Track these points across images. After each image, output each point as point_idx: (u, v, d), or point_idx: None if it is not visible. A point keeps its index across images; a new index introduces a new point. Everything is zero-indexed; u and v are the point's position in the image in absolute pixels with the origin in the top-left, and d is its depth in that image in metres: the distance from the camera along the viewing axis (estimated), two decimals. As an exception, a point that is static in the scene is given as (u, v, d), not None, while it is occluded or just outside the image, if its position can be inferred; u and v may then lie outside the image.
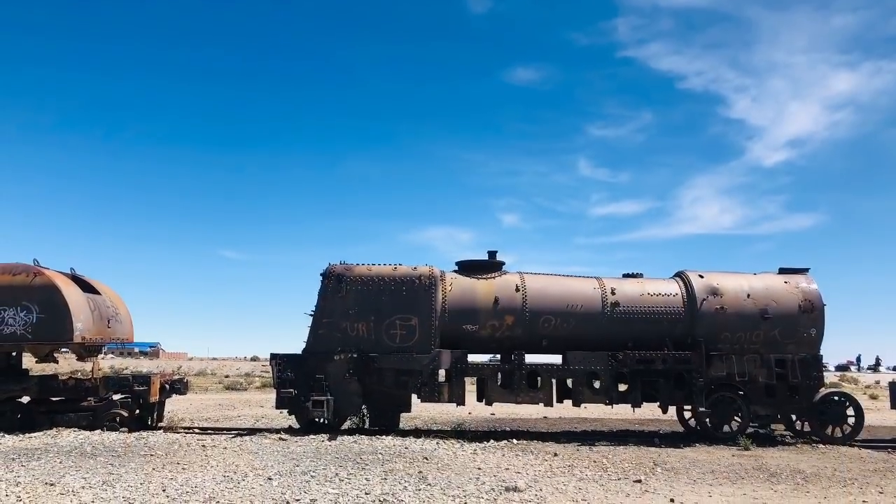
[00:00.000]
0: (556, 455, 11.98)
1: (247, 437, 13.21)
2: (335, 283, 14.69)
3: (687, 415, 15.70)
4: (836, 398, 15.03)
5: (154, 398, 14.74)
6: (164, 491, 8.27)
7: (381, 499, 8.07)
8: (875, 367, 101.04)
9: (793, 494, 9.15)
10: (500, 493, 8.57)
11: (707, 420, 14.66)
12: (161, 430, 14.36)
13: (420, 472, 9.83)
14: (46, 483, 8.65)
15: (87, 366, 17.20)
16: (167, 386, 15.48)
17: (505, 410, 20.34)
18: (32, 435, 13.04)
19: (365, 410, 14.90)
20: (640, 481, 9.72)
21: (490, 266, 15.74)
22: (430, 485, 8.95)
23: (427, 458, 11.02)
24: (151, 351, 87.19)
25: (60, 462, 10.14)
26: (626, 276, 16.25)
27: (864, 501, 8.77)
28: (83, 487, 8.43)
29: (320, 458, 10.86)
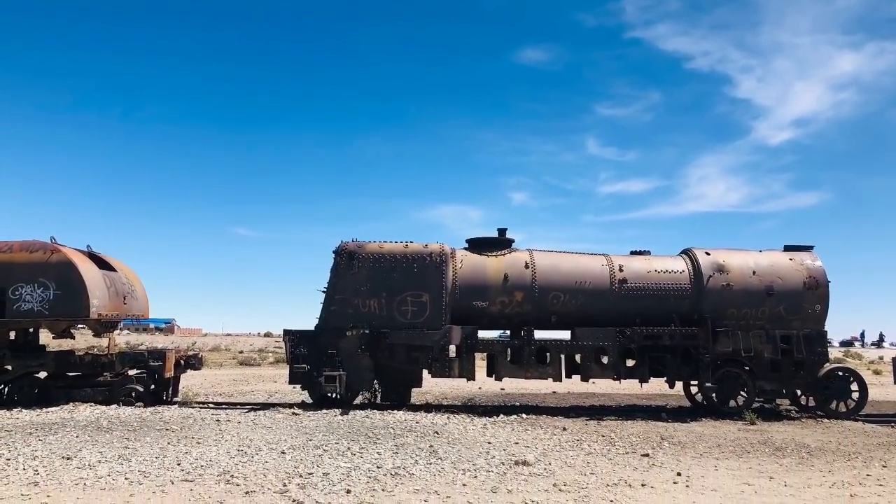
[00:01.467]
0: (564, 429, 12.14)
1: (260, 412, 13.43)
2: (347, 261, 14.83)
3: (693, 390, 15.83)
4: (840, 374, 15.15)
5: (169, 373, 14.97)
6: (178, 465, 8.45)
7: (393, 472, 8.24)
8: (879, 343, 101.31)
9: (798, 468, 9.27)
10: (510, 467, 8.73)
11: (713, 395, 14.78)
12: (176, 405, 14.60)
13: (431, 446, 10.00)
14: (63, 457, 8.84)
15: (104, 342, 17.44)
16: (182, 361, 15.71)
17: (514, 385, 20.54)
18: (49, 410, 13.29)
19: (377, 385, 15.10)
20: (647, 455, 9.86)
21: (500, 243, 15.83)
22: (440, 459, 9.12)
23: (438, 433, 11.20)
24: (166, 327, 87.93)
25: (77, 436, 10.35)
26: (634, 253, 16.32)
27: (867, 475, 8.87)
28: (99, 461, 8.62)
29: (333, 432, 11.06)
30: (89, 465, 8.43)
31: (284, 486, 7.47)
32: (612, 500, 7.23)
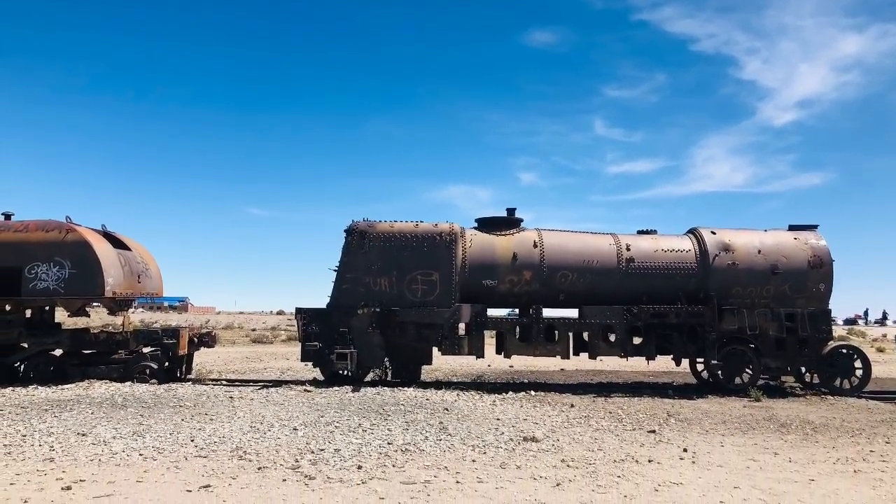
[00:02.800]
0: (572, 406, 12.27)
1: (273, 389, 13.62)
2: (358, 240, 14.93)
3: (699, 367, 15.99)
4: (844, 351, 15.25)
5: (183, 351, 15.18)
6: (192, 441, 8.62)
7: (403, 448, 8.38)
8: (882, 321, 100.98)
9: (802, 444, 9.35)
10: (519, 443, 8.86)
11: (719, 372, 14.89)
12: (190, 382, 14.82)
13: (441, 422, 10.14)
14: (78, 433, 9.01)
15: (118, 320, 17.67)
16: (196, 339, 15.91)
17: (523, 363, 20.69)
18: (65, 387, 13.50)
19: (387, 363, 15.27)
20: (654, 431, 9.97)
21: (509, 223, 15.87)
22: (450, 435, 9.25)
23: (448, 409, 11.35)
24: (180, 305, 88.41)
25: (92, 413, 10.54)
26: (641, 232, 16.35)
27: (871, 451, 8.95)
28: (114, 437, 8.79)
29: (344, 409, 11.22)
30: (104, 441, 8.60)
31: (296, 461, 7.63)
32: (619, 476, 7.34)
